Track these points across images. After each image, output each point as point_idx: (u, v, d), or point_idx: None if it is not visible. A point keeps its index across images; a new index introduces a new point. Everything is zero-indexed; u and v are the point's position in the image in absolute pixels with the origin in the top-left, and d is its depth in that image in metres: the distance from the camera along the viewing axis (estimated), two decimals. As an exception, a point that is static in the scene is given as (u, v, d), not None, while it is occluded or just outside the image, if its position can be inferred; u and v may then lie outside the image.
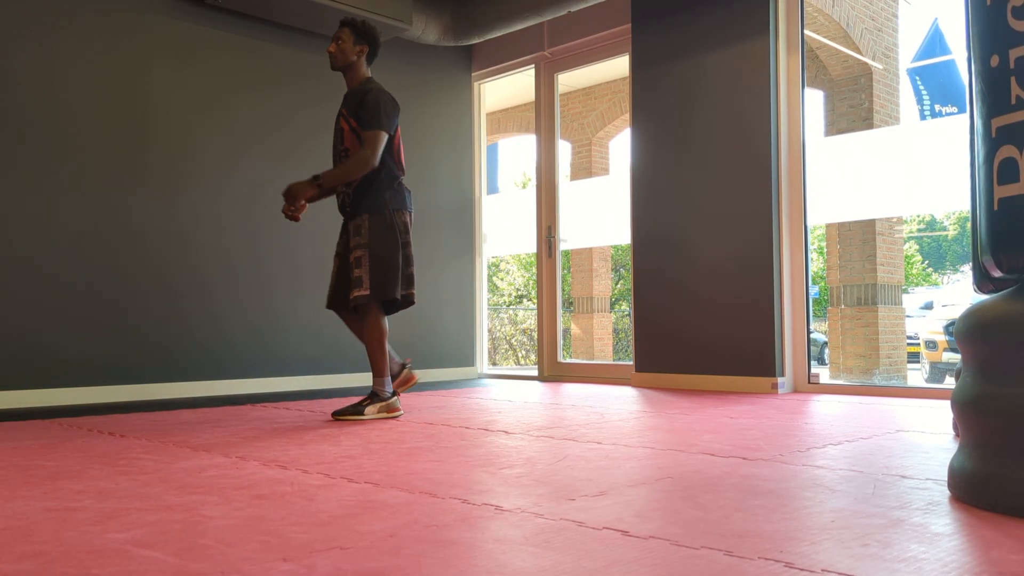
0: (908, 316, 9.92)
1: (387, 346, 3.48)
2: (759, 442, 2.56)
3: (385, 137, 3.34)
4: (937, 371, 8.41)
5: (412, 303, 3.48)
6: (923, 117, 8.89)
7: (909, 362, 8.85)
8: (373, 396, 3.39)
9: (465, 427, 3.04)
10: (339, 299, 3.48)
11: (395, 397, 3.44)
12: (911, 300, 13.21)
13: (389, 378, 3.43)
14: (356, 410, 3.33)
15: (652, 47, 4.97)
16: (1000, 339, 1.62)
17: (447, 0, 5.54)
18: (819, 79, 8.14)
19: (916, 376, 9.37)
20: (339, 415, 3.32)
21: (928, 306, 11.90)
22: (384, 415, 3.38)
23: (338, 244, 3.54)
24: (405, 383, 3.57)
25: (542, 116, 5.86)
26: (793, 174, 4.48)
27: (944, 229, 27.18)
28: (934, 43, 9.00)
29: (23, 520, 1.62)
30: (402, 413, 3.49)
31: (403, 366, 3.58)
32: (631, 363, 5.11)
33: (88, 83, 4.29)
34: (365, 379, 5.34)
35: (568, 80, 8.09)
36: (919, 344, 10.10)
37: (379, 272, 3.33)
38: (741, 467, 2.12)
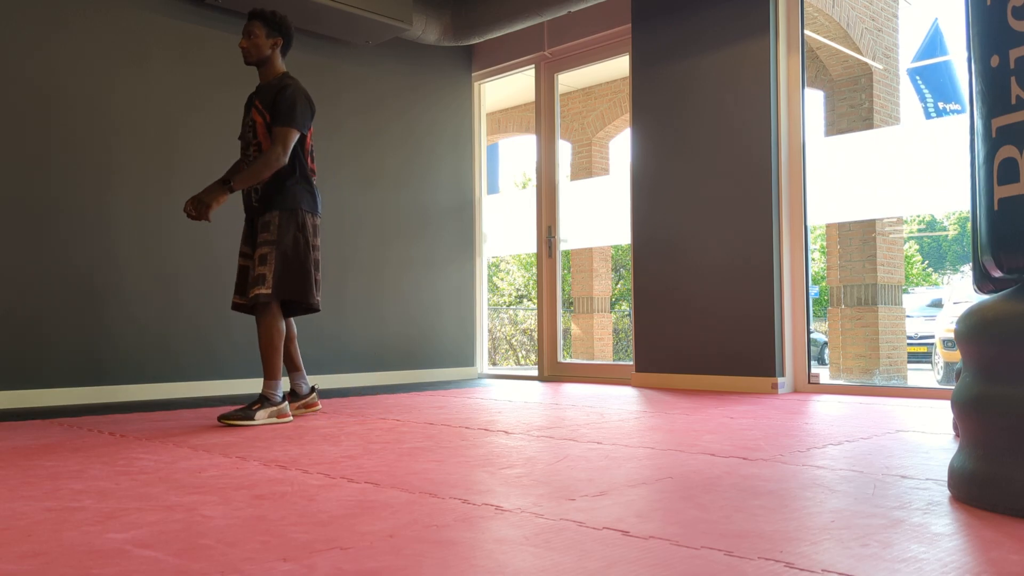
0: (908, 316, 9.87)
1: (299, 356, 3.45)
2: (759, 442, 2.56)
3: (296, 135, 3.26)
4: (952, 371, 8.23)
5: (317, 310, 3.40)
6: (928, 116, 8.89)
7: (909, 362, 8.79)
8: (263, 400, 3.24)
9: (465, 427, 3.04)
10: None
11: (285, 402, 3.31)
12: (911, 300, 13.17)
13: (280, 382, 3.29)
14: (246, 415, 3.17)
15: (652, 47, 4.97)
16: (1000, 339, 1.62)
17: (447, 0, 5.54)
18: (819, 79, 8.14)
19: (917, 376, 9.34)
20: (227, 420, 3.14)
21: (936, 303, 11.71)
22: (274, 420, 3.23)
23: (243, 244, 3.41)
24: (308, 407, 3.54)
25: (542, 116, 5.85)
26: (793, 174, 4.48)
27: (944, 229, 27.18)
28: (934, 43, 9.00)
29: (23, 520, 1.62)
30: (291, 419, 3.33)
31: (312, 390, 3.56)
32: (631, 363, 5.11)
33: (86, 81, 4.29)
34: (364, 379, 5.34)
35: (568, 80, 8.09)
36: (928, 343, 9.96)
37: (284, 271, 3.23)
38: (741, 467, 2.12)
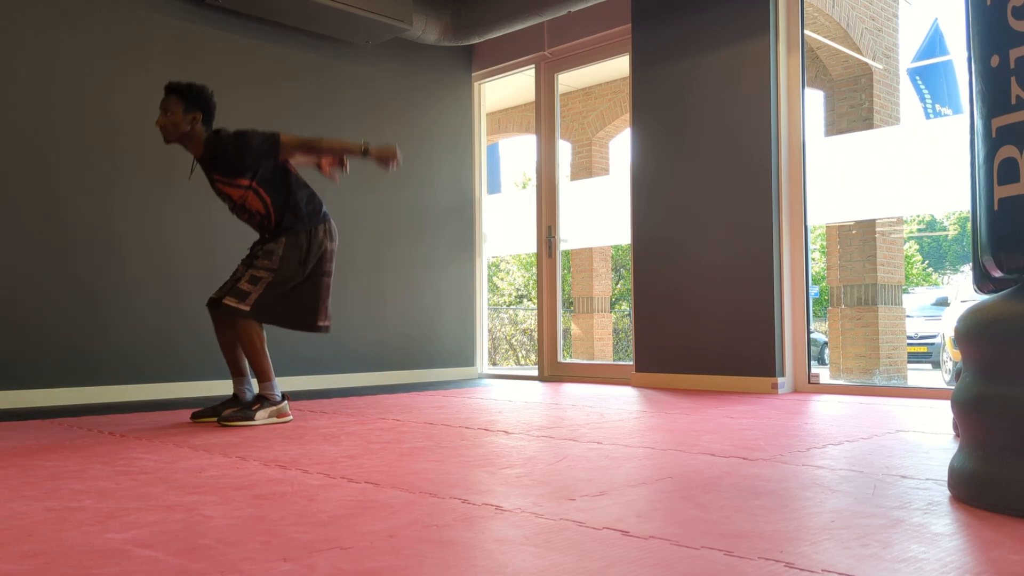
0: (908, 316, 9.84)
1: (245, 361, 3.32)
2: (759, 442, 2.56)
3: (278, 136, 3.19)
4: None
5: (324, 331, 3.36)
6: (928, 116, 8.89)
7: (909, 362, 8.76)
8: (262, 400, 3.23)
9: (465, 427, 3.04)
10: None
11: (285, 401, 3.29)
12: (911, 300, 13.14)
13: (275, 382, 3.27)
14: (245, 415, 3.15)
15: (652, 47, 4.97)
16: (1000, 339, 1.62)
17: (447, 0, 5.54)
18: (819, 79, 8.14)
19: (917, 376, 9.33)
20: (226, 421, 3.13)
21: (941, 302, 11.60)
22: (275, 420, 3.21)
23: (248, 256, 3.38)
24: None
25: (542, 116, 5.85)
26: (793, 174, 4.48)
27: (944, 229, 27.18)
28: (934, 43, 9.00)
29: (23, 520, 1.62)
30: (292, 418, 3.32)
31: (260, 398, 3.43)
32: (631, 363, 5.11)
33: (86, 81, 4.29)
34: (364, 379, 5.34)
35: (568, 80, 8.09)
36: (928, 343, 9.86)
37: (268, 300, 3.17)
38: (741, 467, 2.12)
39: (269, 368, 3.27)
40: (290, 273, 3.24)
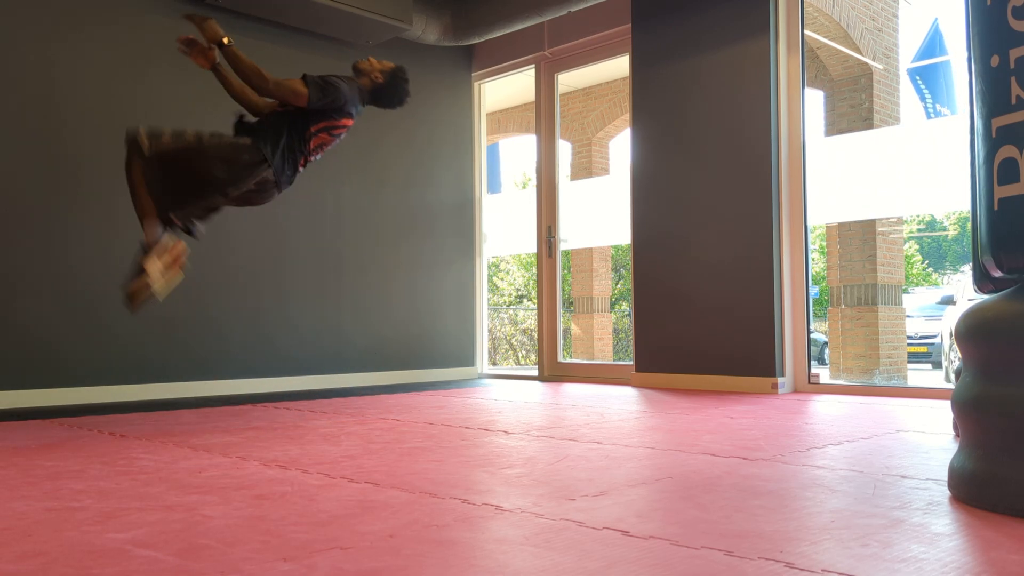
0: (908, 316, 9.82)
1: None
2: (759, 442, 2.56)
3: (302, 90, 3.24)
4: None
5: (193, 236, 3.19)
6: (928, 117, 8.89)
7: (909, 362, 8.75)
8: (143, 248, 3.03)
9: (465, 427, 3.04)
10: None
11: (164, 235, 3.04)
12: (911, 300, 13.12)
13: (154, 219, 3.06)
14: (140, 278, 2.97)
15: (652, 47, 4.97)
16: (1000, 339, 1.62)
17: (447, 0, 5.54)
18: (819, 79, 8.14)
19: (917, 376, 9.33)
20: (131, 297, 2.98)
21: (947, 300, 11.57)
22: (167, 260, 3.01)
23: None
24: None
25: (542, 116, 5.85)
26: (793, 174, 4.48)
27: (944, 229, 27.18)
28: (934, 43, 9.00)
29: (23, 520, 1.62)
30: (184, 246, 3.10)
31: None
32: (631, 363, 5.11)
33: (87, 83, 4.29)
34: (364, 379, 5.34)
35: (568, 80, 8.09)
36: (928, 343, 9.81)
37: (178, 151, 3.04)
38: (741, 467, 2.12)
39: (146, 204, 3.05)
40: (222, 155, 3.13)
